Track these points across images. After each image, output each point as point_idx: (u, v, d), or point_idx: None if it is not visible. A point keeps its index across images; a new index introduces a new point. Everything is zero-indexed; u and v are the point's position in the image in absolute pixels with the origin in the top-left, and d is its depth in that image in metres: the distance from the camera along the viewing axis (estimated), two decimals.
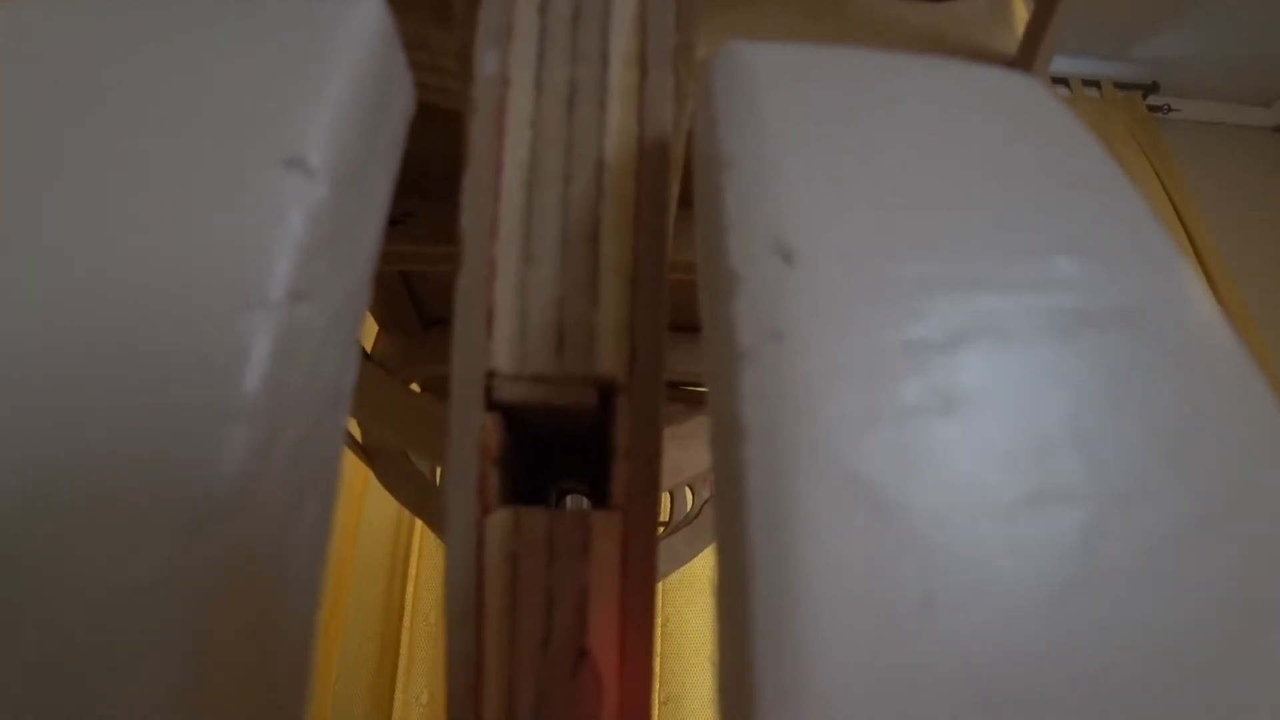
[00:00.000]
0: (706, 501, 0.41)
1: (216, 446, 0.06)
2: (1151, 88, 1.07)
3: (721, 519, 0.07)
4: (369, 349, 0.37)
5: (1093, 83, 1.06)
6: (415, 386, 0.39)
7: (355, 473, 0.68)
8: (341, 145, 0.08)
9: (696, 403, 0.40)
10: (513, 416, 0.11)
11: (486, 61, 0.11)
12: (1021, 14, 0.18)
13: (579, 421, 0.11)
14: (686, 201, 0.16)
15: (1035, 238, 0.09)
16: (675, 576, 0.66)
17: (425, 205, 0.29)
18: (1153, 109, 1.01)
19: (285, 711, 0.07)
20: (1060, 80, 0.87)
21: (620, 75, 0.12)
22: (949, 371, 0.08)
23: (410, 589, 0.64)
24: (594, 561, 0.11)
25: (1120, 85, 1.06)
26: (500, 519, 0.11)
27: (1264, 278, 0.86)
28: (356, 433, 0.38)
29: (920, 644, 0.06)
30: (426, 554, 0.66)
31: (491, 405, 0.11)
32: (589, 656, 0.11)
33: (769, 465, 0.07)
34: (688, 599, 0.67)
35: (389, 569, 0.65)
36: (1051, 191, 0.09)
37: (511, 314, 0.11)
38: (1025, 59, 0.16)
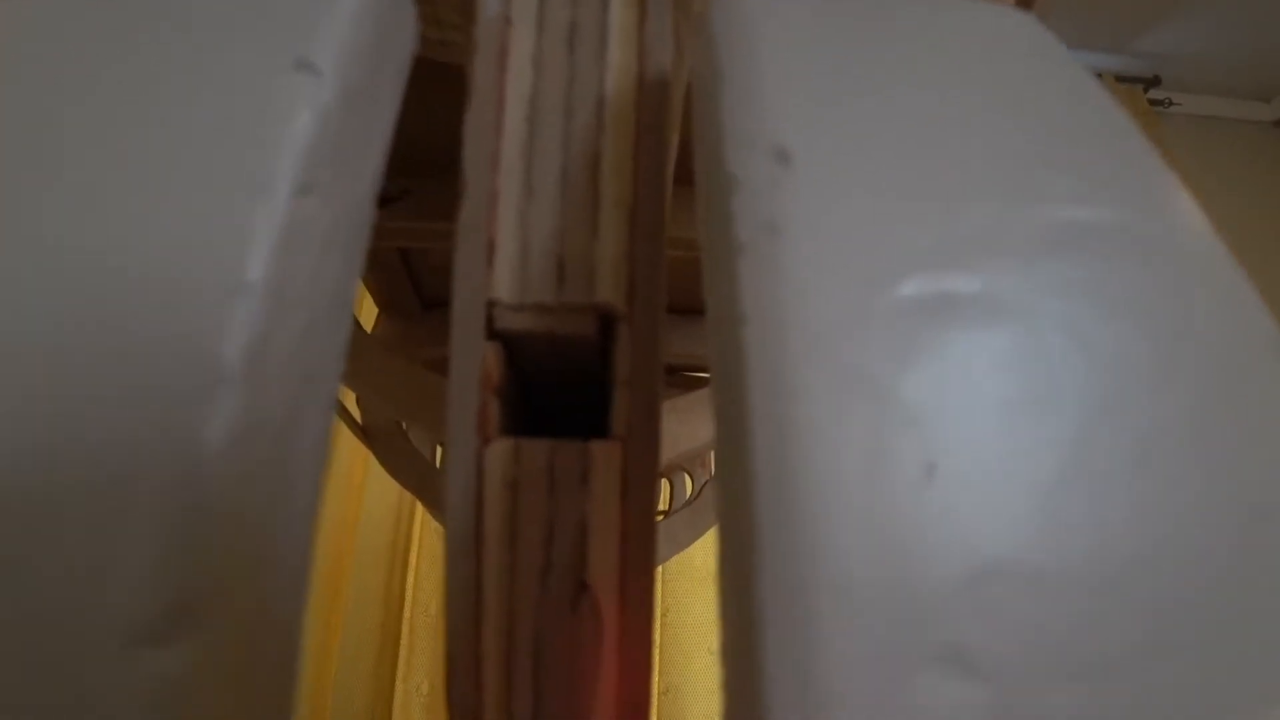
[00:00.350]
0: (705, 484, 0.41)
1: (221, 326, 0.06)
2: (1153, 81, 1.08)
3: (722, 399, 0.07)
4: (369, 331, 0.37)
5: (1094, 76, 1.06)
6: None
7: (355, 463, 0.68)
8: (350, 54, 0.08)
9: (696, 386, 0.40)
10: (514, 349, 0.11)
11: (489, 3, 0.12)
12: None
13: (579, 353, 0.12)
14: (682, 179, 0.16)
15: (1028, 154, 0.09)
16: (675, 566, 0.66)
17: (423, 183, 0.29)
18: (1154, 103, 1.01)
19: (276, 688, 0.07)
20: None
21: (620, 15, 0.12)
22: (944, 272, 0.08)
23: (410, 579, 0.64)
24: (594, 491, 0.11)
25: (1121, 79, 1.07)
26: (500, 448, 0.11)
27: (1264, 271, 0.86)
28: (356, 415, 0.38)
29: (921, 514, 0.06)
30: (426, 545, 0.66)
31: (493, 334, 0.11)
32: (589, 590, 0.11)
33: (768, 346, 0.07)
34: (687, 590, 0.67)
35: (389, 560, 0.65)
36: (1045, 114, 0.09)
37: (513, 245, 0.11)
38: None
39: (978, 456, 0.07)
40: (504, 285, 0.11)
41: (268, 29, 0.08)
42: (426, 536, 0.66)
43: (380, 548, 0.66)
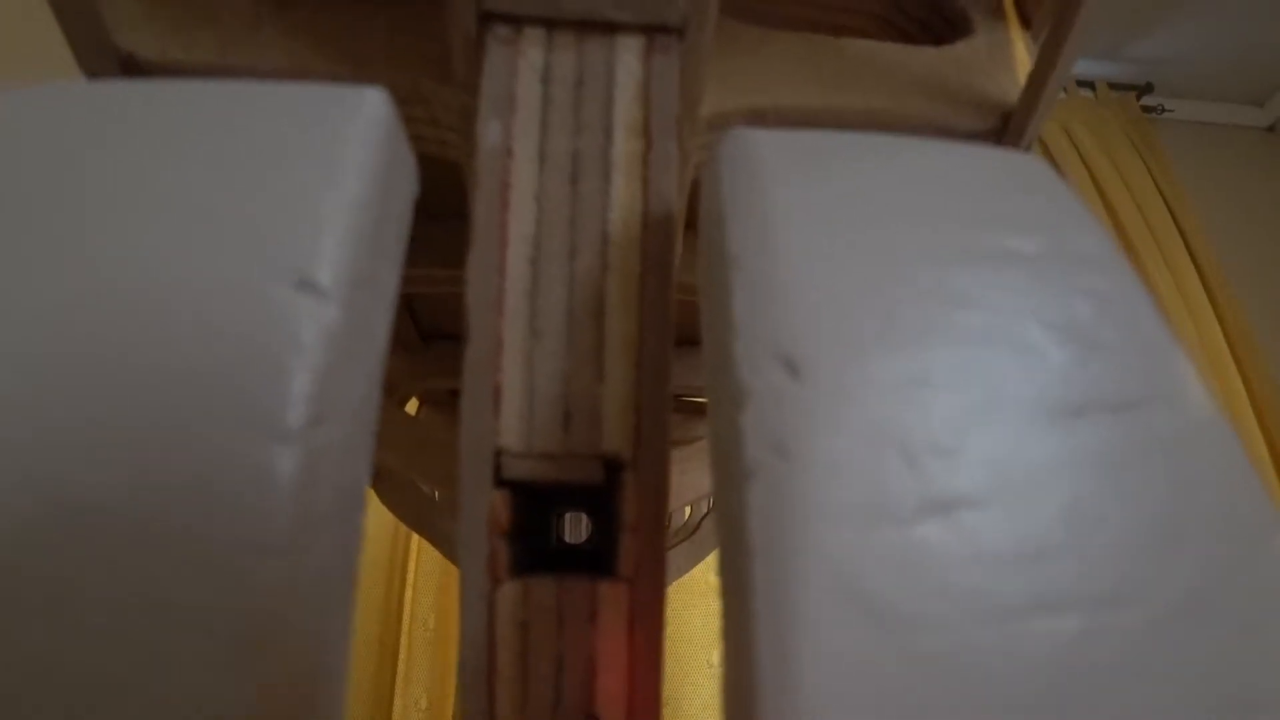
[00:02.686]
0: (705, 516, 0.41)
1: (252, 578, 0.06)
2: (1146, 88, 1.07)
3: (731, 627, 0.07)
4: None
5: (1087, 83, 1.06)
6: (415, 400, 0.39)
7: None
8: (351, 257, 0.08)
9: (695, 413, 0.40)
10: (521, 489, 0.11)
11: (489, 132, 0.11)
12: (1022, 55, 0.18)
13: (585, 494, 0.12)
14: (692, 224, 0.16)
15: (1038, 331, 0.09)
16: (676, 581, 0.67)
17: (426, 229, 0.29)
18: (1147, 109, 1.01)
19: None
20: (1084, 84, 0.87)
21: (624, 146, 0.12)
22: (947, 475, 0.08)
23: (409, 594, 0.65)
24: (602, 629, 0.11)
25: (1115, 85, 1.06)
26: (510, 590, 0.11)
27: (1256, 275, 0.87)
28: None
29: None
30: (424, 560, 0.66)
31: (500, 482, 0.11)
32: (596, 719, 0.11)
33: (775, 583, 0.07)
34: (686, 603, 0.68)
35: (387, 575, 0.65)
36: (1055, 282, 0.09)
37: (519, 390, 0.11)
38: (1026, 108, 0.16)
39: (975, 681, 0.07)
40: (511, 433, 0.11)
41: (269, 241, 0.07)
42: (424, 552, 0.66)
43: (379, 563, 0.66)
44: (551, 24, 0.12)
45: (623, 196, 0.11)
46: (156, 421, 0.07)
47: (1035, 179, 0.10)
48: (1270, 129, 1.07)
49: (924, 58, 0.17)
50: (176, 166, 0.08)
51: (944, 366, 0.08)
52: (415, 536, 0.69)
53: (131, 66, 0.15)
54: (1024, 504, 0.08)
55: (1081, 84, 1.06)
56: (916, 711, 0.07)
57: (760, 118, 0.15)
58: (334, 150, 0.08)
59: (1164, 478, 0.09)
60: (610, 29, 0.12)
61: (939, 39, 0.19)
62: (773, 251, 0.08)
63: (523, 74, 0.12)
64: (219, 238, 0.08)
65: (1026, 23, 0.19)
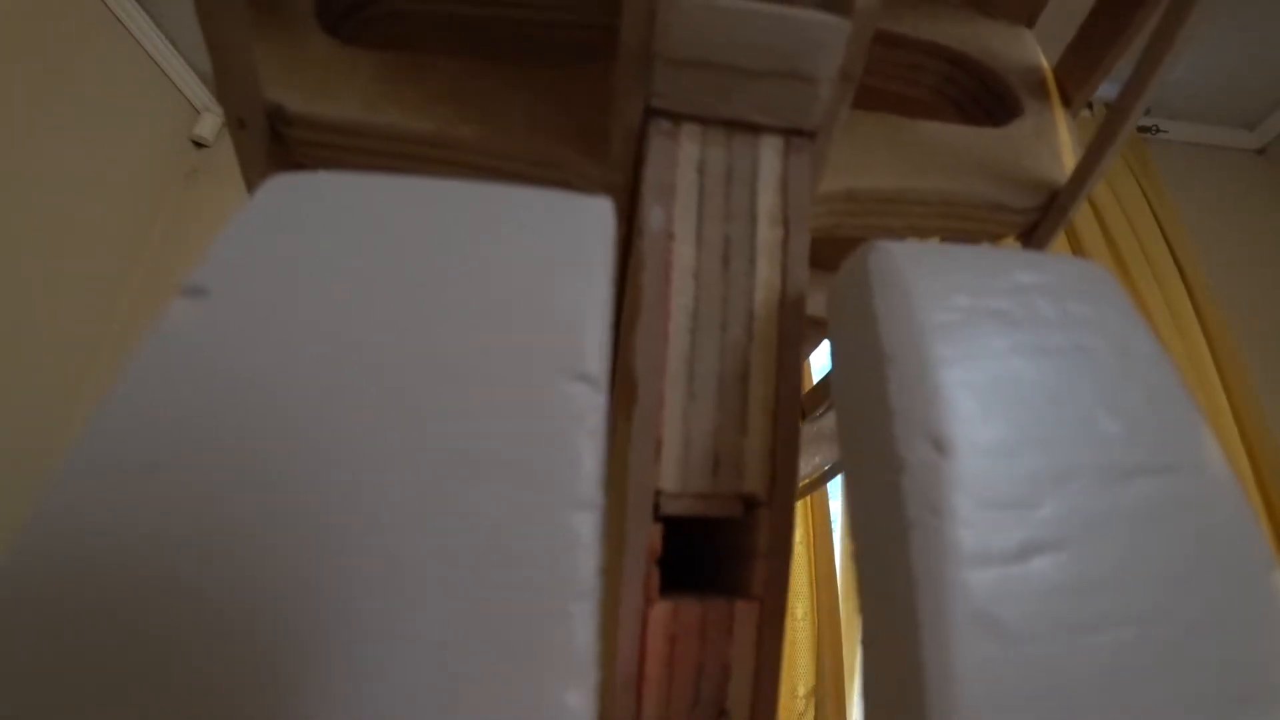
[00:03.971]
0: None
1: (568, 623, 0.09)
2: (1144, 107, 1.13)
3: (884, 638, 0.10)
4: None
5: (1086, 103, 1.12)
6: None
7: None
8: (607, 349, 0.10)
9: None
10: (672, 522, 0.14)
11: (654, 217, 0.13)
12: (1064, 134, 0.21)
13: (724, 526, 0.14)
14: None
15: (1102, 412, 0.12)
16: None
17: None
18: (1142, 129, 1.07)
19: None
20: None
21: (767, 233, 0.14)
22: (1039, 526, 0.11)
23: None
24: (736, 640, 0.14)
25: (1111, 106, 1.12)
26: (662, 608, 0.14)
27: (1245, 294, 0.95)
28: None
29: None
30: None
31: (658, 517, 0.13)
32: (727, 715, 0.14)
33: (934, 609, 0.09)
34: None
35: None
36: (1115, 373, 0.12)
37: (677, 442, 0.13)
38: (1071, 192, 0.19)
39: (1065, 680, 0.10)
40: (669, 477, 0.13)
41: (545, 342, 0.09)
42: None
43: None
44: (706, 122, 0.14)
45: (765, 277, 0.14)
46: (474, 493, 0.09)
47: (1101, 286, 0.13)
48: (1261, 152, 1.15)
49: (982, 140, 0.19)
50: (455, 263, 0.10)
51: (1037, 440, 0.11)
52: None
53: (278, 117, 0.16)
54: (1089, 546, 0.11)
55: None
56: (1029, 702, 0.10)
57: (854, 197, 0.17)
58: (586, 257, 0.10)
59: (1188, 528, 0.12)
60: (755, 129, 0.14)
61: (989, 111, 0.22)
62: (922, 351, 0.11)
63: (681, 165, 0.14)
64: (509, 334, 0.09)
65: (1067, 101, 0.22)
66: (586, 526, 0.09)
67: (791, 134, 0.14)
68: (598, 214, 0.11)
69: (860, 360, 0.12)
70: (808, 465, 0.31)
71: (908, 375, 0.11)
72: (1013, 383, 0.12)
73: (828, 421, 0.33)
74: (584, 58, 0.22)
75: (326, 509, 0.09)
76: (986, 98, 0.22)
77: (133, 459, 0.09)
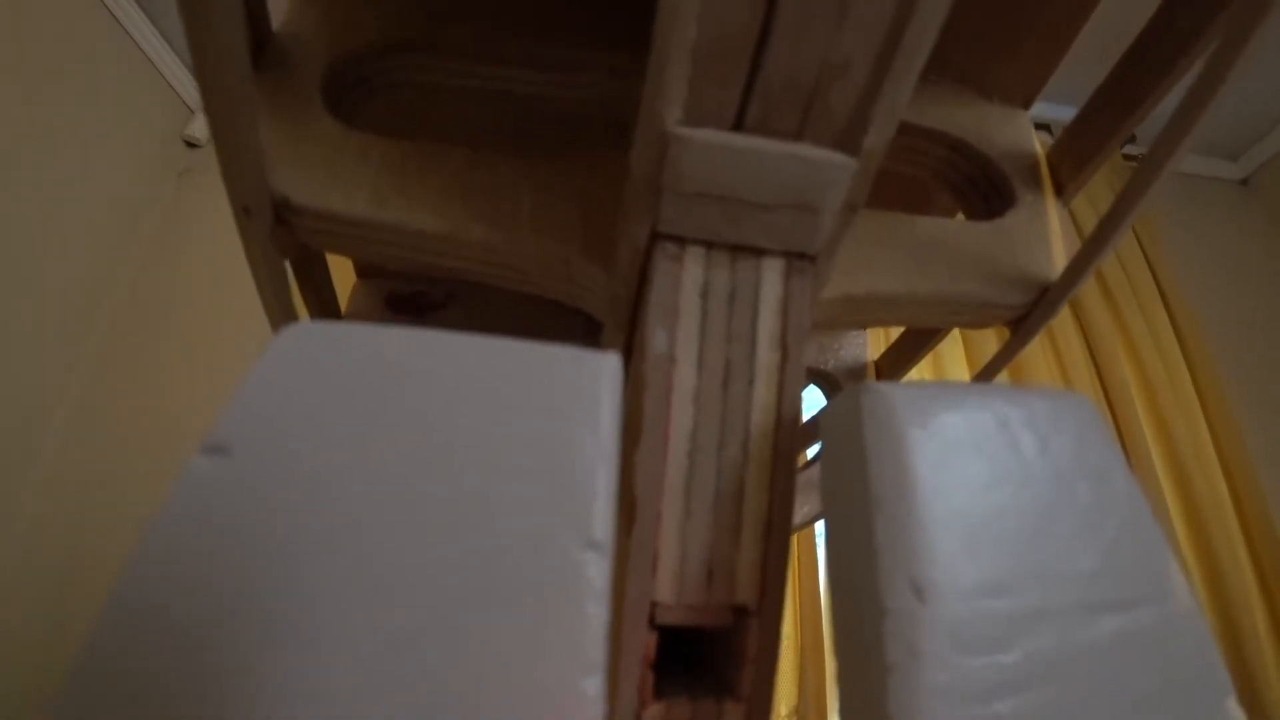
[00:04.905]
0: None
1: None
2: (1129, 138, 1.15)
3: None
4: None
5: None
6: None
7: None
8: (614, 511, 0.10)
9: None
10: (665, 630, 0.14)
11: (657, 340, 0.14)
12: (1055, 225, 0.22)
13: (714, 633, 0.15)
14: None
15: (1080, 548, 0.13)
16: None
17: (466, 291, 0.31)
18: (1128, 158, 1.09)
19: None
20: (1043, 126, 0.93)
21: (766, 355, 0.14)
22: (1011, 667, 0.11)
23: None
24: None
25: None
26: (655, 710, 0.14)
27: (1228, 322, 0.97)
28: None
29: None
30: None
31: (653, 626, 0.14)
32: None
33: None
34: None
35: None
36: (1093, 514, 0.13)
37: (673, 556, 0.14)
38: (1062, 289, 0.19)
39: None
40: (665, 590, 0.14)
41: (556, 510, 0.10)
42: None
43: None
44: (711, 245, 0.14)
45: (763, 399, 0.14)
46: (485, 661, 0.09)
47: (1080, 417, 0.14)
48: (1243, 182, 1.18)
49: (978, 236, 0.20)
50: (470, 424, 0.10)
51: (1015, 579, 0.12)
52: None
53: (284, 207, 0.17)
54: (1056, 685, 0.12)
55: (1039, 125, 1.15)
56: None
57: (853, 302, 0.18)
58: (596, 418, 0.11)
59: (1152, 660, 0.13)
60: (759, 252, 0.15)
61: (986, 197, 0.23)
62: (909, 500, 0.12)
63: (686, 288, 0.14)
64: (523, 500, 0.10)
65: (1060, 189, 0.23)
66: (594, 688, 0.10)
67: (794, 256, 0.15)
68: (606, 372, 0.11)
69: (850, 500, 0.12)
70: (796, 515, 0.31)
71: (894, 521, 0.12)
72: (997, 518, 0.12)
73: (815, 471, 0.34)
74: (588, 127, 0.22)
75: (343, 668, 0.09)
76: (984, 184, 0.22)
77: (154, 624, 0.09)
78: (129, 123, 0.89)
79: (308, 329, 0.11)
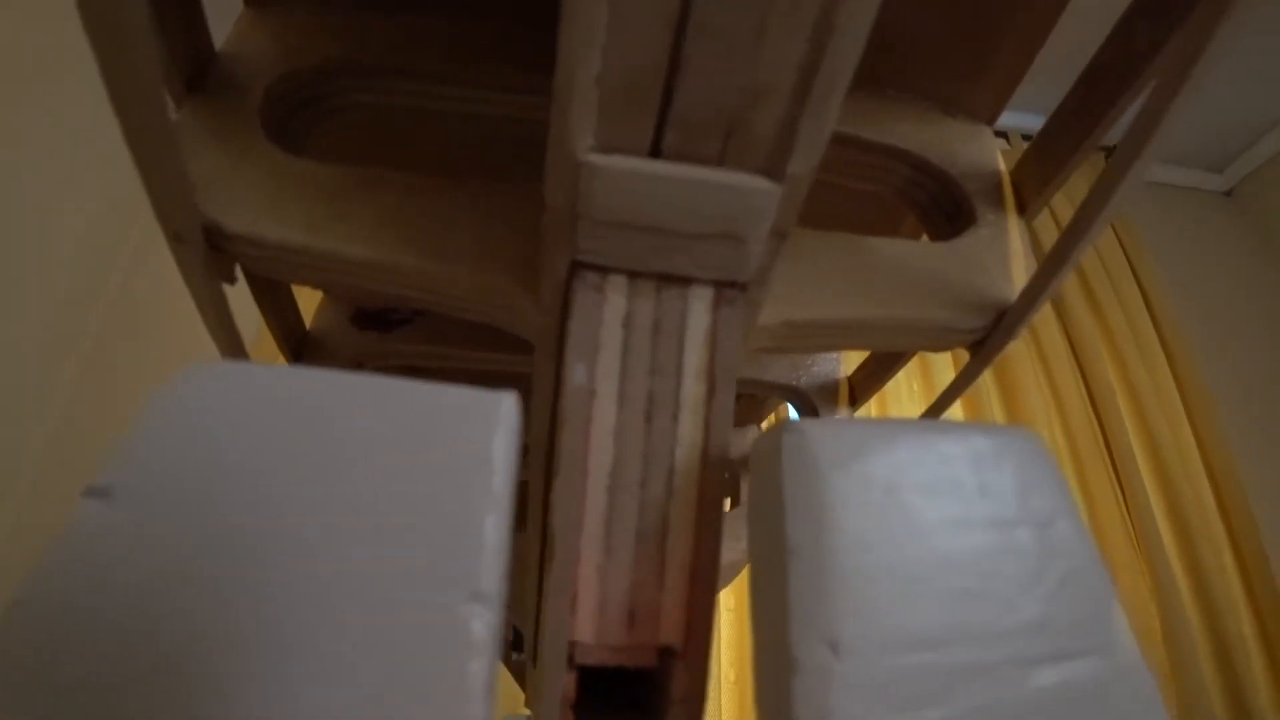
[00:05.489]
0: None
1: None
2: (1112, 150, 1.15)
3: None
4: None
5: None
6: None
7: None
8: (504, 561, 0.10)
9: None
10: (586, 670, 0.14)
11: (575, 374, 0.13)
12: (1017, 245, 0.21)
13: (639, 674, 0.14)
14: None
15: (1019, 598, 0.12)
16: None
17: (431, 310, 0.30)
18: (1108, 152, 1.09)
19: None
20: (1029, 138, 0.94)
21: (692, 388, 0.14)
22: None
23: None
24: None
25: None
26: None
27: (1212, 332, 0.97)
28: None
29: None
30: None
31: (573, 666, 0.14)
32: None
33: None
34: None
35: None
36: (1035, 561, 0.12)
37: (593, 595, 0.13)
38: (1019, 313, 0.19)
39: None
40: (585, 630, 0.13)
41: (442, 561, 0.09)
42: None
43: None
44: (634, 274, 0.14)
45: (688, 434, 0.14)
46: (365, 710, 0.09)
47: (1027, 456, 0.13)
48: (1228, 194, 1.18)
49: (935, 257, 0.19)
50: (359, 468, 0.10)
51: (946, 635, 0.11)
52: None
53: (216, 234, 0.16)
54: None
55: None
56: None
57: (795, 327, 0.17)
58: (488, 463, 0.10)
59: (1092, 712, 0.12)
60: (686, 281, 0.14)
61: (949, 215, 0.22)
62: (826, 549, 0.11)
63: (607, 320, 0.14)
64: (405, 553, 0.09)
65: (1023, 207, 0.22)
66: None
67: (723, 285, 0.14)
68: (501, 413, 0.11)
69: (769, 546, 0.12)
70: (735, 553, 0.31)
71: (809, 571, 0.11)
72: (929, 567, 0.12)
73: None
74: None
75: (226, 708, 0.09)
76: (947, 203, 0.22)
77: (31, 662, 0.09)
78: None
79: (199, 371, 0.11)
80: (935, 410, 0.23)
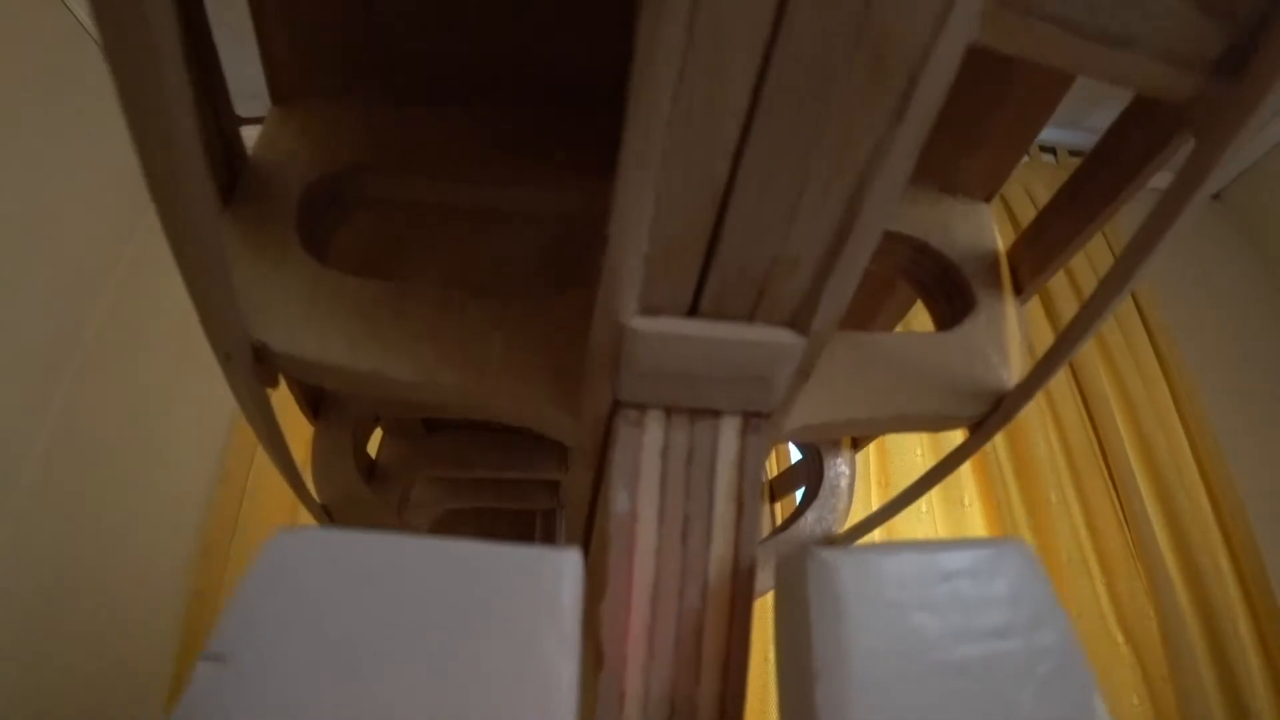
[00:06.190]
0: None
1: None
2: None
3: None
4: (374, 454, 0.40)
5: (1049, 149, 1.20)
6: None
7: None
8: (577, 698, 0.12)
9: None
10: None
11: (619, 501, 0.15)
12: (1013, 329, 0.23)
13: None
14: None
15: (1014, 706, 0.14)
16: None
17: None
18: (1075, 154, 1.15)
19: None
20: (1077, 154, 0.96)
21: (723, 509, 0.16)
22: None
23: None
24: None
25: (1074, 152, 1.20)
26: None
27: (1203, 332, 1.00)
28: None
29: None
30: None
31: None
32: None
33: None
34: None
35: None
36: (1029, 655, 0.15)
37: (637, 694, 0.16)
38: (1016, 401, 0.21)
39: None
40: None
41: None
42: None
43: None
44: (670, 409, 0.16)
45: (720, 550, 0.16)
46: None
47: (1020, 565, 0.16)
48: (1215, 197, 1.22)
49: (935, 349, 0.21)
50: (443, 627, 0.12)
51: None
52: None
53: (262, 353, 0.18)
54: None
55: (1044, 149, 1.20)
56: None
57: (810, 429, 0.19)
58: (559, 617, 0.12)
59: None
60: (716, 413, 0.16)
61: (949, 296, 0.24)
62: (849, 668, 0.13)
63: (646, 450, 0.16)
64: (491, 698, 0.11)
65: (1019, 288, 0.24)
66: None
67: (750, 415, 0.16)
68: (566, 570, 0.13)
69: (796, 663, 0.14)
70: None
71: (832, 697, 0.13)
72: (937, 673, 0.14)
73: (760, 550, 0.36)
74: (563, 249, 0.23)
75: None
76: (947, 284, 0.24)
77: None
78: (120, 132, 0.88)
79: (293, 539, 0.12)
80: (937, 475, 0.25)
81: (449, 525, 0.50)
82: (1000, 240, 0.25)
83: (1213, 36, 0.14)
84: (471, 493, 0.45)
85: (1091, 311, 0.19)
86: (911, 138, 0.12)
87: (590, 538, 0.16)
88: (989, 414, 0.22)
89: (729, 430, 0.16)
